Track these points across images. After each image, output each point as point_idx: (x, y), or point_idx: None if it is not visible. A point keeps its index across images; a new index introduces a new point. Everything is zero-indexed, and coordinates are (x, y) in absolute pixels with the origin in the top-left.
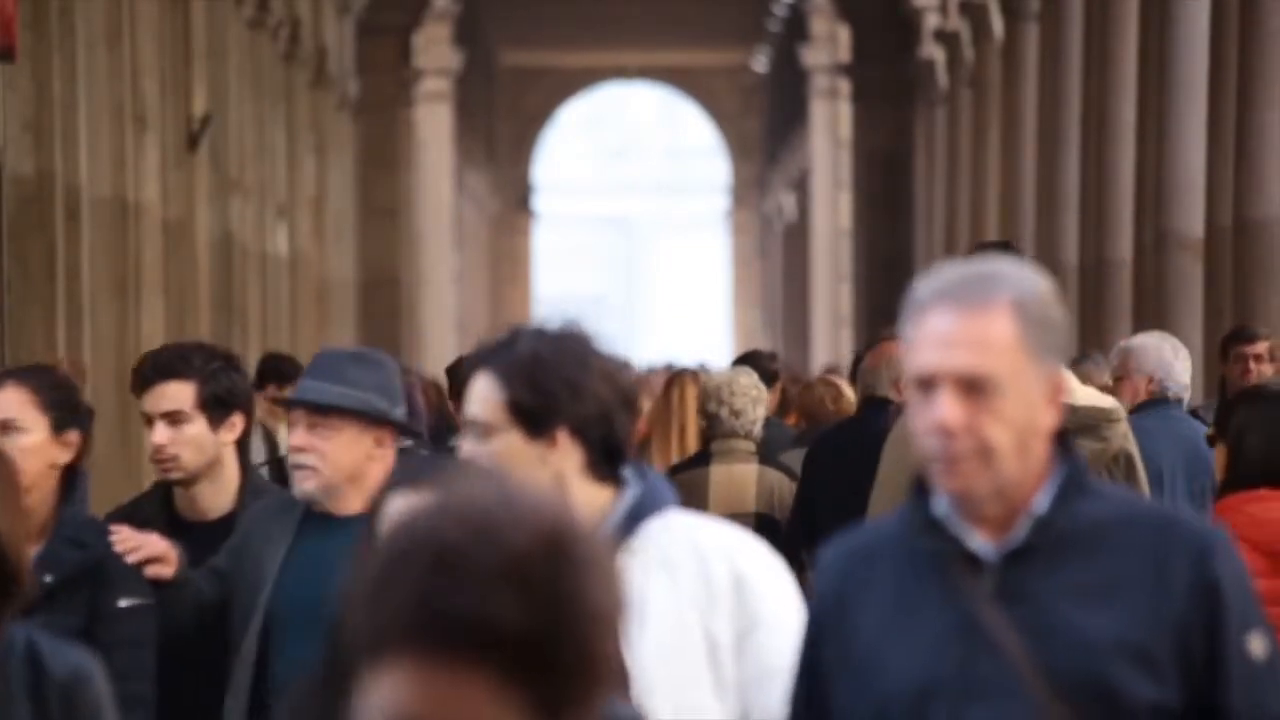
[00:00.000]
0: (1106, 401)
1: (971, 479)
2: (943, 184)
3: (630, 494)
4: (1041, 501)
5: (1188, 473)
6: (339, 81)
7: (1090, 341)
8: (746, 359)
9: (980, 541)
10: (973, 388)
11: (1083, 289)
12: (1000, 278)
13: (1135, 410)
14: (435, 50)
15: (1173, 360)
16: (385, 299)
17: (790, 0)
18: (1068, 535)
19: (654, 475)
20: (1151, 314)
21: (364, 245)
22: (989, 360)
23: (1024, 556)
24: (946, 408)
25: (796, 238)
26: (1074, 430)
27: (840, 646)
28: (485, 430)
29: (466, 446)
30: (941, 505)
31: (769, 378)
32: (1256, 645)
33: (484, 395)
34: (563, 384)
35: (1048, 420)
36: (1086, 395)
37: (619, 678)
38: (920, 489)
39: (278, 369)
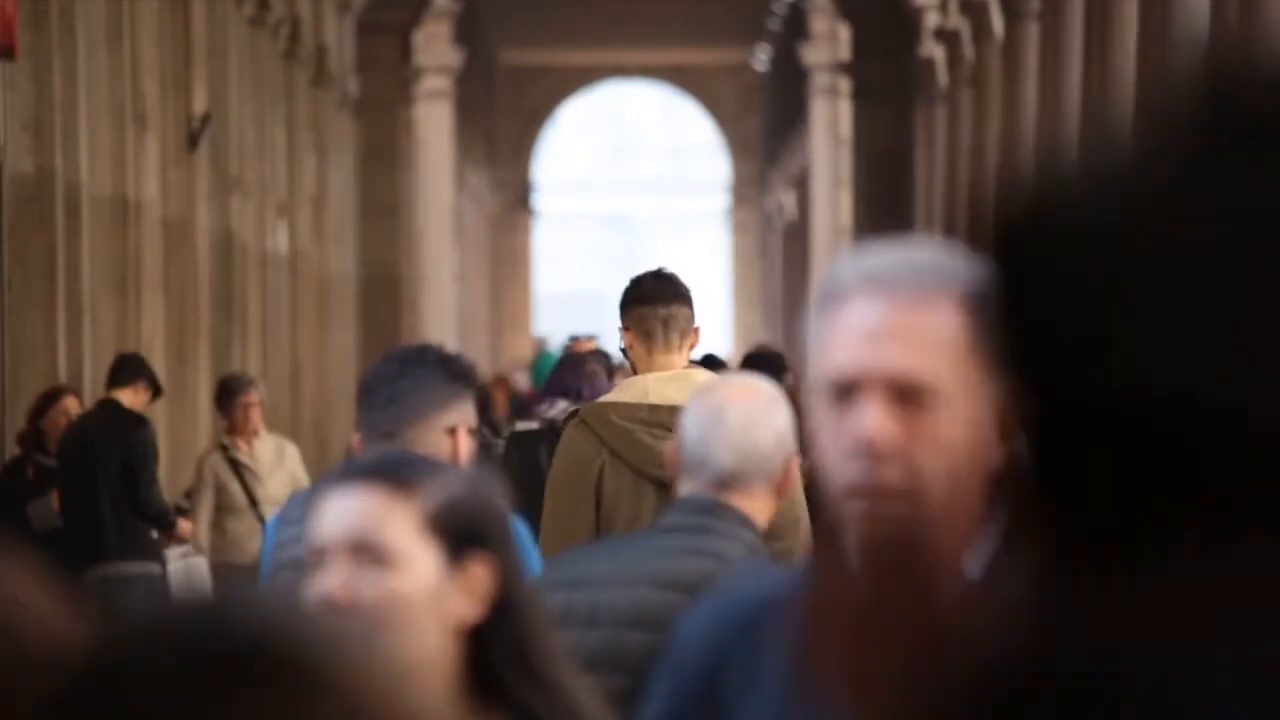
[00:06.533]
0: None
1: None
2: (942, 183)
3: None
4: (975, 565)
5: None
6: (339, 80)
7: None
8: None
9: None
10: (906, 398)
11: None
12: (945, 264)
13: None
14: (435, 49)
15: None
16: (385, 297)
17: None
18: None
19: None
20: None
21: (364, 243)
22: (931, 362)
23: None
24: (876, 421)
25: (797, 236)
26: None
27: None
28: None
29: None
30: None
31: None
32: None
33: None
34: None
35: (993, 460)
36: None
37: None
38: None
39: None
